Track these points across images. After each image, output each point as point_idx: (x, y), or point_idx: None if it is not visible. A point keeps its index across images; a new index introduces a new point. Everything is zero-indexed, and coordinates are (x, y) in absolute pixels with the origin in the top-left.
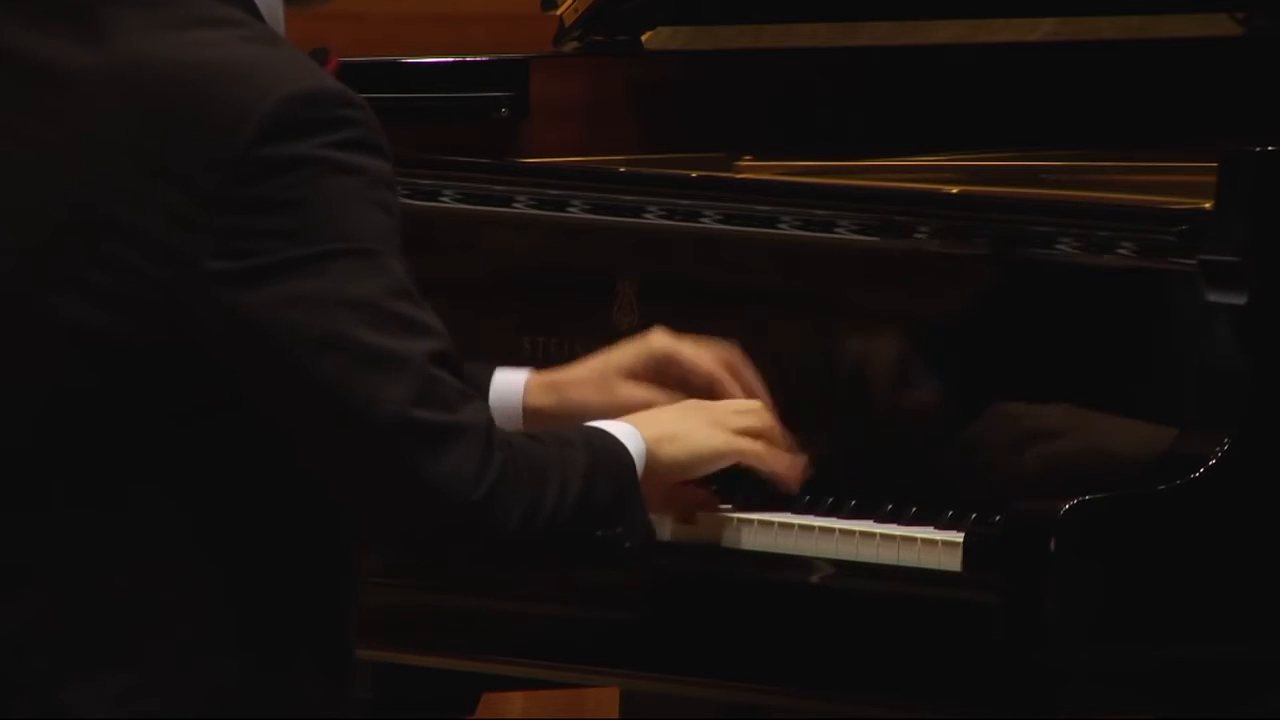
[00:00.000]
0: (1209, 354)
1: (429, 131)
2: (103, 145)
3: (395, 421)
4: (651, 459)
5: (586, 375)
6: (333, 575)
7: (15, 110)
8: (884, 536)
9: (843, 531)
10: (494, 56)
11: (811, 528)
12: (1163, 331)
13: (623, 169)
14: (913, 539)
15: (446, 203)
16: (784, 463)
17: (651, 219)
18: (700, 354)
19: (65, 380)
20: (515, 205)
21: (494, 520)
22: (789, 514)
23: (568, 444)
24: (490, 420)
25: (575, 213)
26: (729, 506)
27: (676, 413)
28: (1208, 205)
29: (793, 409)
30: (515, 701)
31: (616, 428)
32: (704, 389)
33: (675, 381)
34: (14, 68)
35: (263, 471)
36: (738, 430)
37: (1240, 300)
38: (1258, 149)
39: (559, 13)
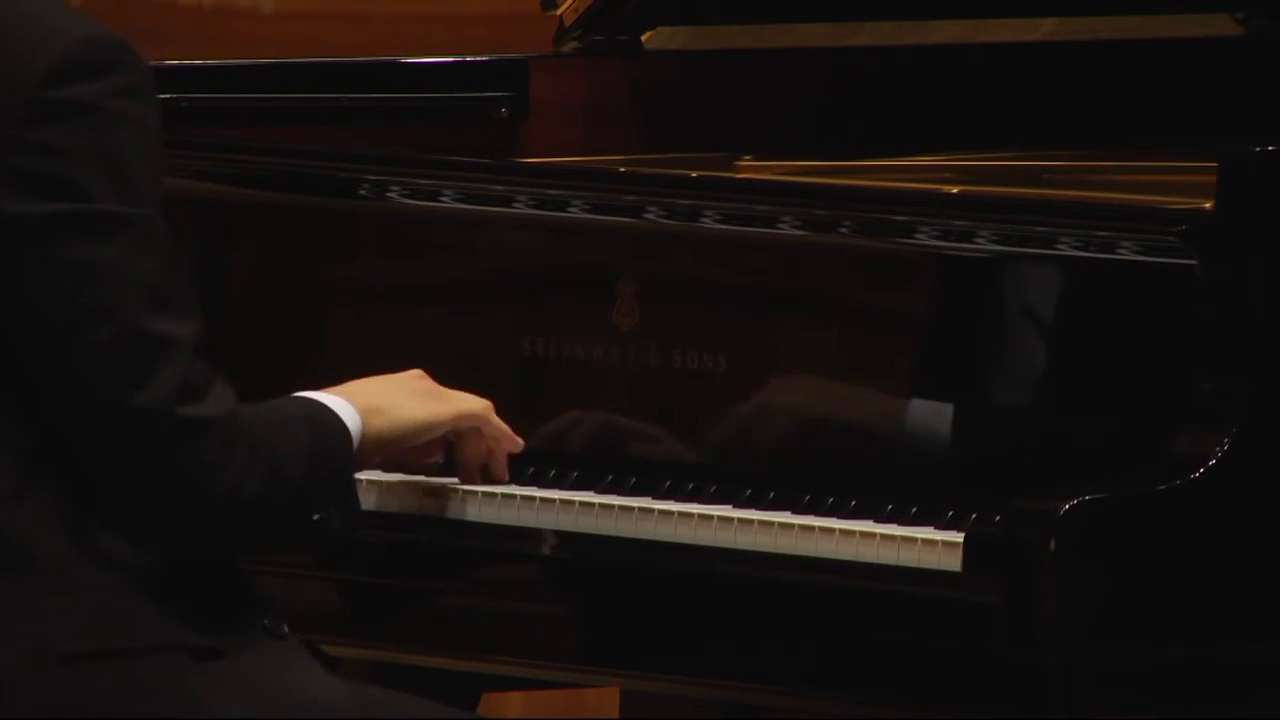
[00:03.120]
0: (1209, 354)
1: (429, 131)
2: None
3: (152, 411)
4: (365, 430)
5: None
6: None
7: None
8: (884, 536)
9: (843, 531)
10: (494, 56)
11: (812, 528)
12: (1163, 331)
13: (623, 169)
14: (913, 539)
15: (446, 203)
16: (502, 429)
17: (651, 219)
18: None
19: None
20: (515, 205)
21: (234, 507)
22: (789, 514)
23: (292, 421)
24: (235, 405)
25: (575, 213)
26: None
27: (388, 384)
28: (1208, 205)
29: (792, 409)
30: (515, 701)
31: (332, 400)
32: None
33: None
34: None
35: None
36: (452, 409)
37: (1240, 300)
38: (1258, 149)
39: (559, 13)
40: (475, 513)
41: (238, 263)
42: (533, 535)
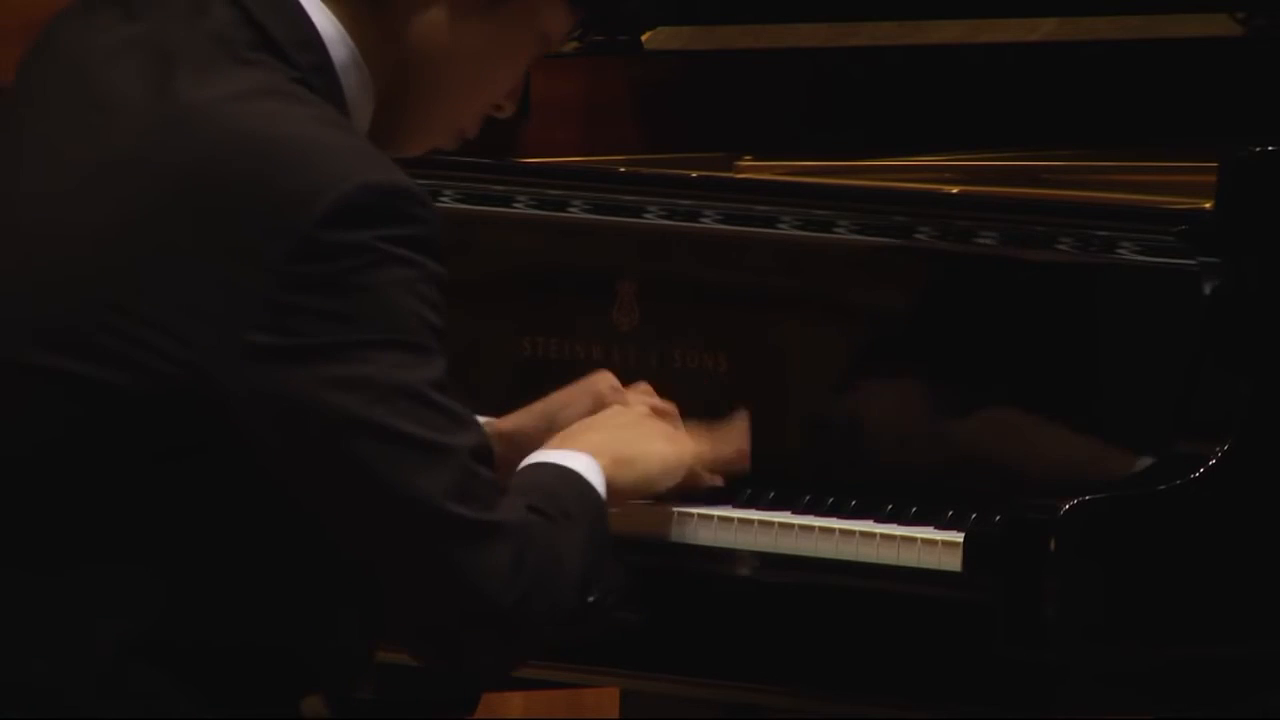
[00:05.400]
0: (1209, 354)
1: None
2: (154, 197)
3: (431, 513)
4: (609, 486)
5: (535, 426)
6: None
7: (67, 129)
8: (884, 536)
9: (843, 531)
10: None
11: (811, 528)
12: (1162, 331)
13: (623, 169)
14: (913, 539)
15: (446, 203)
16: (729, 453)
17: (651, 219)
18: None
19: (53, 430)
20: (515, 205)
21: (523, 621)
22: (789, 514)
23: (570, 520)
24: (525, 518)
25: (575, 213)
26: (728, 507)
27: (631, 431)
28: (1208, 205)
29: (793, 409)
30: (515, 701)
31: (580, 462)
32: None
33: None
34: (79, 85)
35: (236, 526)
36: (690, 452)
37: (1240, 300)
38: (1258, 149)
39: None
40: None
41: None
42: None
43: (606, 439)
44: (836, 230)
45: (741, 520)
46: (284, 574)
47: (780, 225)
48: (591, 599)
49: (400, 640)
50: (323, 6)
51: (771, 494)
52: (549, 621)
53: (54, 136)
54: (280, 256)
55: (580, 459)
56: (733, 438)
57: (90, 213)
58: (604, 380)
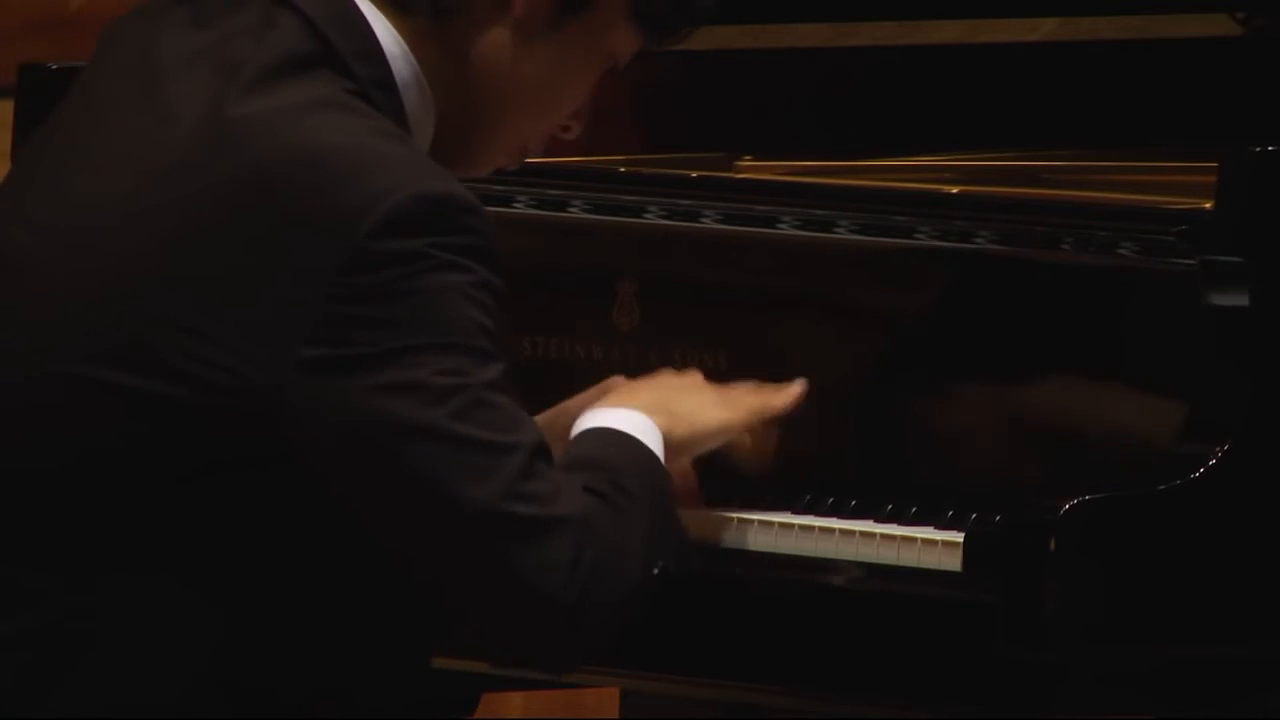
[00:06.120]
0: (1209, 354)
1: None
2: (210, 211)
3: (488, 512)
4: (666, 441)
5: (548, 433)
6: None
7: (132, 138)
8: (884, 536)
9: (843, 531)
10: None
11: (811, 528)
12: (1163, 331)
13: (623, 169)
14: (913, 539)
15: None
16: (764, 453)
17: (651, 219)
18: None
19: (106, 439)
20: (515, 205)
21: (584, 616)
22: (789, 514)
23: (631, 499)
24: (585, 509)
25: (575, 213)
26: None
27: (681, 387)
28: (1208, 205)
29: (792, 408)
30: (515, 701)
31: (636, 422)
32: None
33: None
34: (146, 94)
35: (292, 534)
36: (742, 407)
37: (1240, 300)
38: (1257, 149)
39: None
40: None
41: None
42: None
43: (660, 396)
44: (836, 230)
45: (741, 520)
46: (336, 598)
47: (780, 225)
48: (657, 570)
49: (463, 642)
50: (387, 23)
51: (771, 494)
52: (615, 612)
53: (118, 144)
54: (333, 269)
55: (635, 418)
56: (785, 394)
57: (149, 225)
58: (615, 385)
